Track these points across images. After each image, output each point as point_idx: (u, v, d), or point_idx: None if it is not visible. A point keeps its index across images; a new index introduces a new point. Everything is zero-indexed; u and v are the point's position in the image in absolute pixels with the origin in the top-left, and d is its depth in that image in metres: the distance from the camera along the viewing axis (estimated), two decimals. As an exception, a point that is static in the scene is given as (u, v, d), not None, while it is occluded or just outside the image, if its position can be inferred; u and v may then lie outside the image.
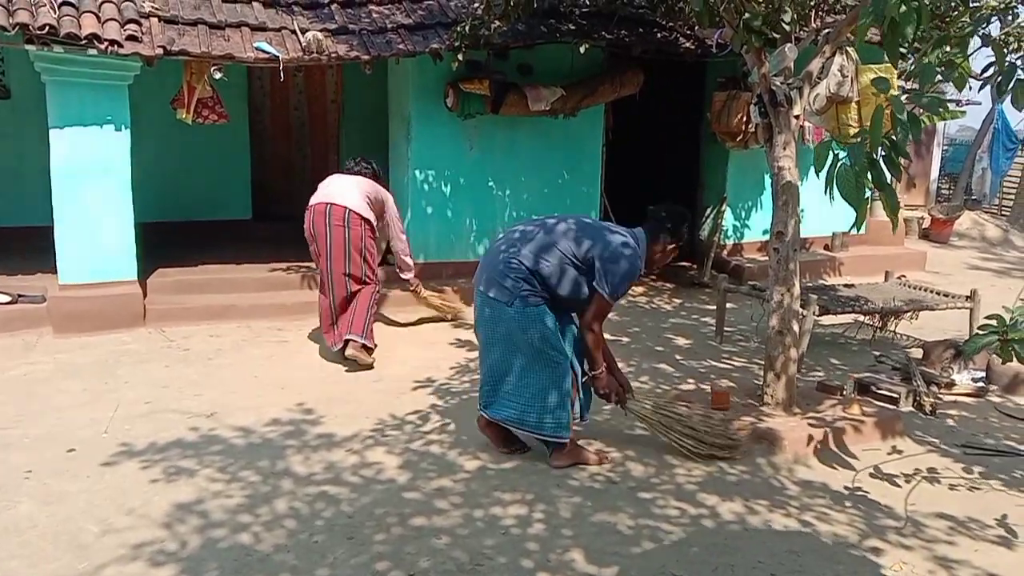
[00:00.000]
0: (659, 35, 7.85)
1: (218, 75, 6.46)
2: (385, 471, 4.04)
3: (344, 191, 5.75)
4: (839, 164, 3.31)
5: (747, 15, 4.61)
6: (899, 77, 5.71)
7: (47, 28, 5.70)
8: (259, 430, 4.53)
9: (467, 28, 6.57)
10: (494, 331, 4.01)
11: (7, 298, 6.36)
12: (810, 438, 4.40)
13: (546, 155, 8.12)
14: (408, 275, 6.36)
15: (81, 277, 6.29)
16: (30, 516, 3.55)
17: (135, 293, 6.46)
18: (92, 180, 6.23)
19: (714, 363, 5.99)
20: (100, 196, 6.28)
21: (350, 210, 5.66)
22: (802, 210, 5.03)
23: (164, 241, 7.56)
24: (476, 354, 5.98)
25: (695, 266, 9.05)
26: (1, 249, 7.41)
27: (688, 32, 7.82)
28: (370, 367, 5.60)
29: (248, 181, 8.96)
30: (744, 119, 7.98)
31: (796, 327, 4.75)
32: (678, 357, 6.14)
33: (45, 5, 5.90)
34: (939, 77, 3.89)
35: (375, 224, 5.86)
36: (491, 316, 4.00)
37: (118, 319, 6.30)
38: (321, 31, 6.60)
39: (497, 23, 6.63)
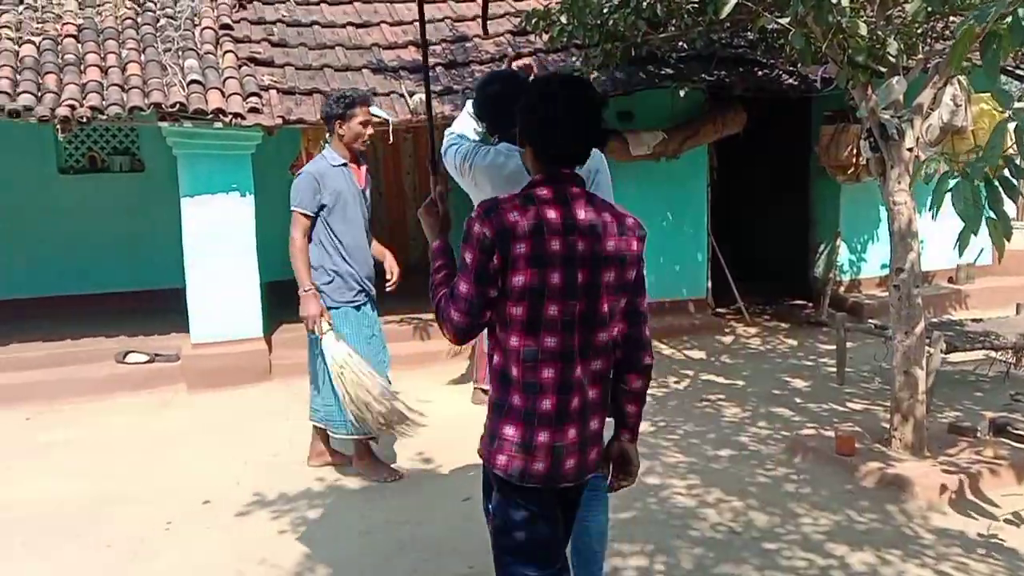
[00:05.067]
0: (760, 73, 7.78)
1: (332, 140, 6.78)
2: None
3: None
4: (956, 181, 3.20)
5: (851, 50, 4.54)
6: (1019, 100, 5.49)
7: (177, 105, 6.16)
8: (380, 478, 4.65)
9: (567, 80, 6.70)
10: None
11: (144, 357, 6.79)
12: (943, 483, 4.19)
13: (650, 198, 8.10)
14: None
15: (211, 336, 6.66)
16: (171, 567, 3.75)
17: (262, 350, 6.80)
18: (220, 244, 6.63)
19: (835, 406, 5.79)
20: (228, 259, 6.67)
21: None
22: (922, 241, 4.88)
23: (287, 298, 7.88)
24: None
25: (811, 304, 8.81)
26: (138, 311, 7.90)
27: (790, 69, 7.73)
28: None
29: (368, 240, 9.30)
30: (854, 151, 7.79)
31: (922, 366, 4.56)
32: (797, 400, 5.96)
33: (175, 85, 6.38)
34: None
35: None
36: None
37: (246, 375, 6.62)
38: (427, 92, 6.85)
39: (596, 73, 6.74)
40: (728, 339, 7.88)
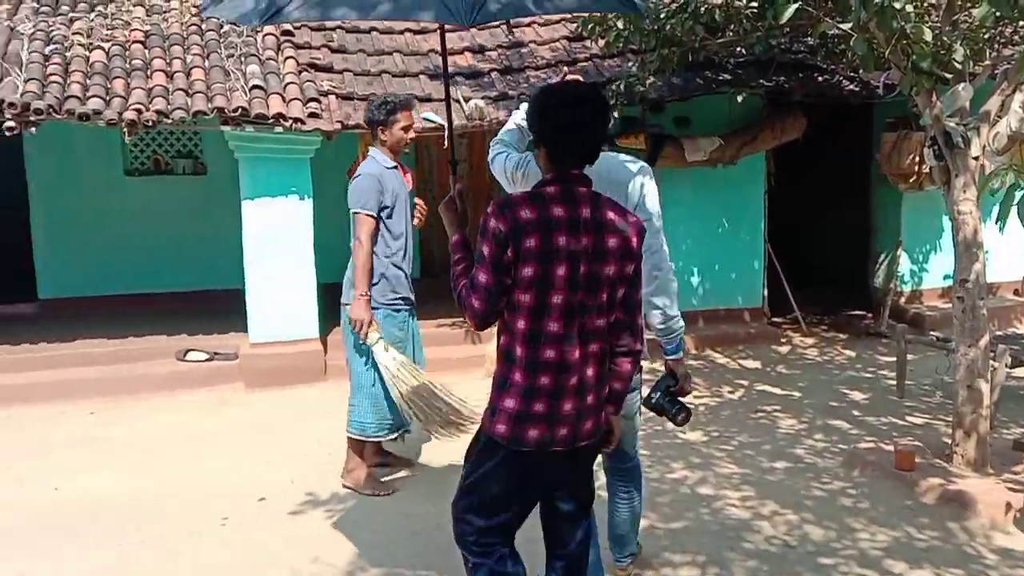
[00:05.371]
0: (820, 79, 7.66)
1: (389, 144, 6.87)
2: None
3: None
4: (1023, 193, 3.11)
5: (915, 56, 4.43)
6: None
7: (240, 110, 6.29)
8: (433, 478, 4.69)
9: (623, 86, 6.68)
10: None
11: (204, 356, 6.95)
12: (1008, 502, 4.07)
13: (706, 204, 8.05)
14: None
15: (269, 336, 6.79)
16: (225, 562, 3.83)
17: (317, 350, 6.91)
18: (279, 246, 6.76)
19: (895, 420, 5.66)
20: (286, 261, 6.79)
21: None
22: (986, 252, 4.76)
23: (341, 300, 8.02)
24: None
25: (870, 315, 8.63)
26: (198, 310, 8.08)
27: (852, 74, 7.59)
28: None
29: (416, 241, 9.39)
30: (917, 159, 7.61)
31: (986, 380, 4.44)
32: (855, 413, 5.84)
33: (238, 90, 6.53)
34: None
35: None
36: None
37: (302, 375, 6.74)
38: (482, 98, 6.91)
39: (652, 79, 6.71)
40: (784, 349, 7.76)
